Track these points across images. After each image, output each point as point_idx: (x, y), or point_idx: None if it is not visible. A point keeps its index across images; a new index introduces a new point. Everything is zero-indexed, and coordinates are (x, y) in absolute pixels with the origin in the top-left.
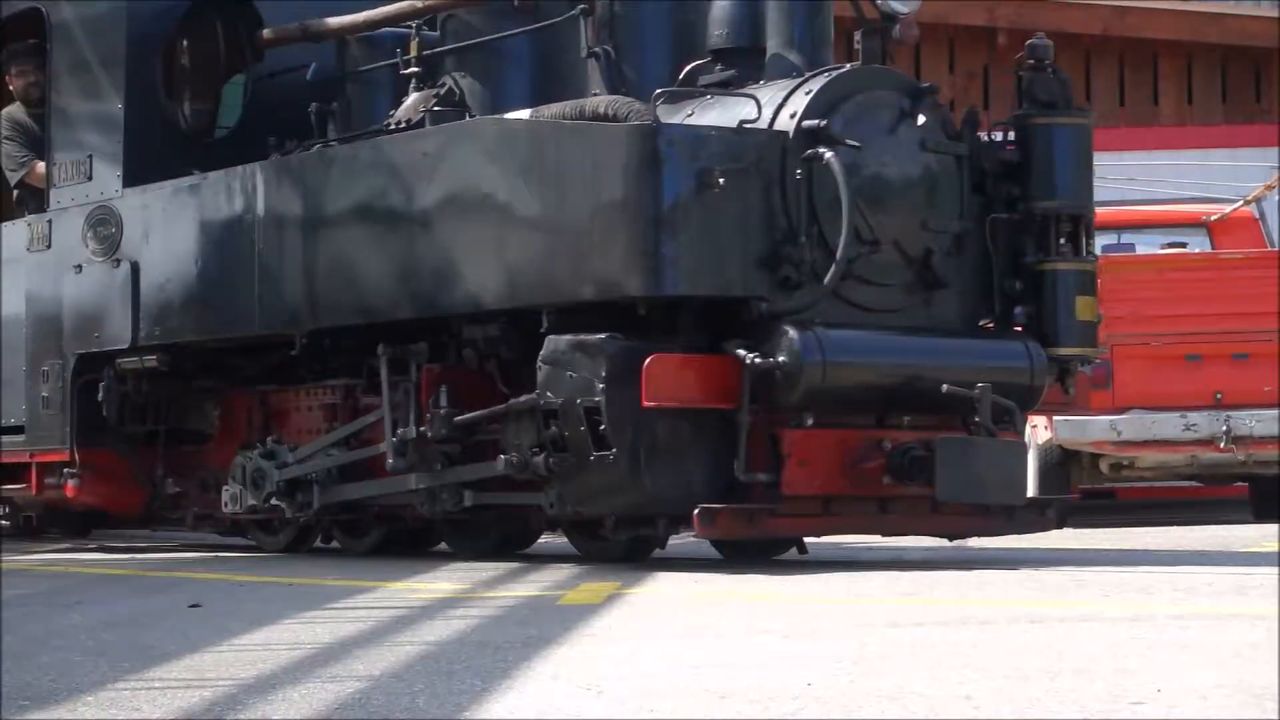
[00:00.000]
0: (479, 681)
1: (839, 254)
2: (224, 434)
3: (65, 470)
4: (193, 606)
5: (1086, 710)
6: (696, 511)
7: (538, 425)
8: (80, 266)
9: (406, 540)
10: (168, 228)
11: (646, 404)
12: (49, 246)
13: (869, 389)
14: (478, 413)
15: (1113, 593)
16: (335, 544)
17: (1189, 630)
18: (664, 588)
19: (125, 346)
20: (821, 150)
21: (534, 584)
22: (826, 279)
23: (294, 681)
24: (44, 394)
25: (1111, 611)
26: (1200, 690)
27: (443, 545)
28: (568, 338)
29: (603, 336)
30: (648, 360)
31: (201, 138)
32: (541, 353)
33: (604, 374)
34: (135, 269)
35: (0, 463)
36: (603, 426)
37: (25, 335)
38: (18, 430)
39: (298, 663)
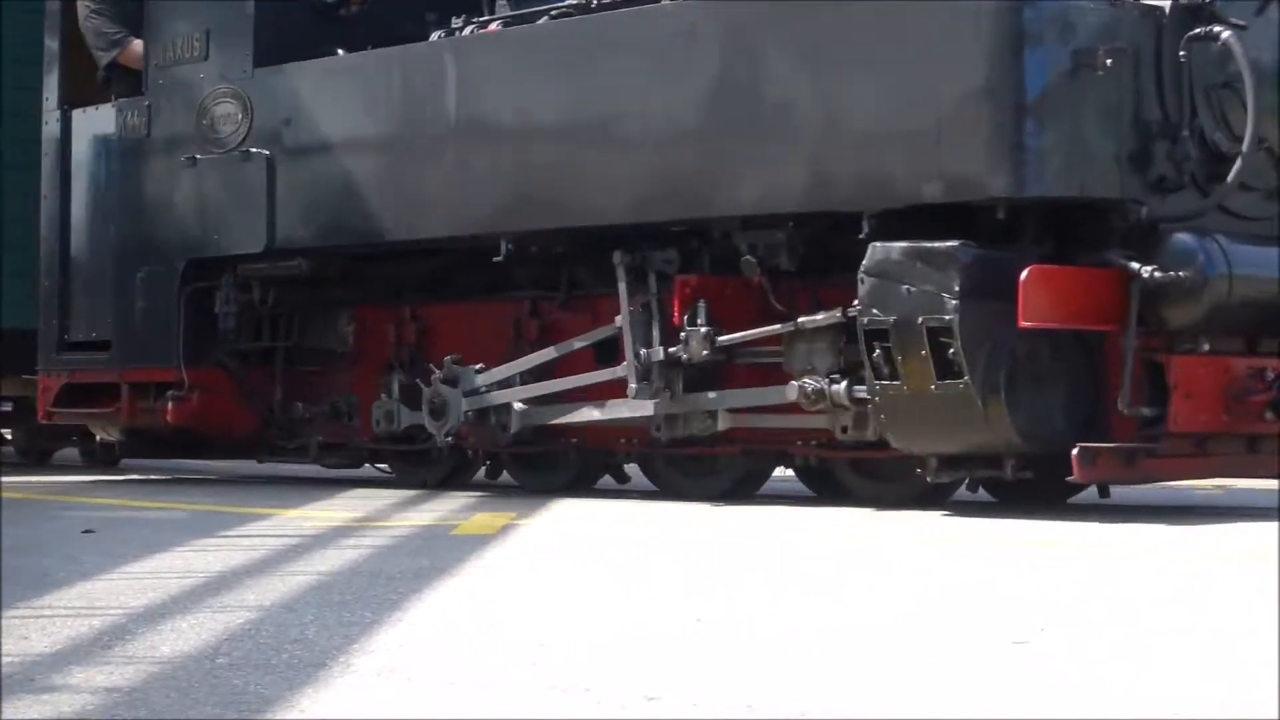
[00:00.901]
0: (369, 613)
1: (1244, 150)
2: (360, 353)
3: (170, 392)
4: (86, 532)
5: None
6: (1077, 451)
7: (836, 347)
8: (194, 159)
9: (607, 476)
10: (316, 114)
11: (1024, 324)
12: (147, 135)
13: (1257, 309)
14: (755, 331)
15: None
16: (504, 480)
17: None
18: (559, 520)
19: (258, 250)
20: (1216, 29)
21: (429, 512)
22: (1230, 177)
23: (184, 611)
24: (140, 304)
25: None
26: None
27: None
28: (902, 245)
29: (954, 243)
30: (1026, 272)
31: (337, 10)
32: (865, 263)
33: (957, 288)
34: (270, 162)
35: (73, 383)
36: (952, 350)
37: (111, 237)
38: (98, 346)
39: (188, 592)
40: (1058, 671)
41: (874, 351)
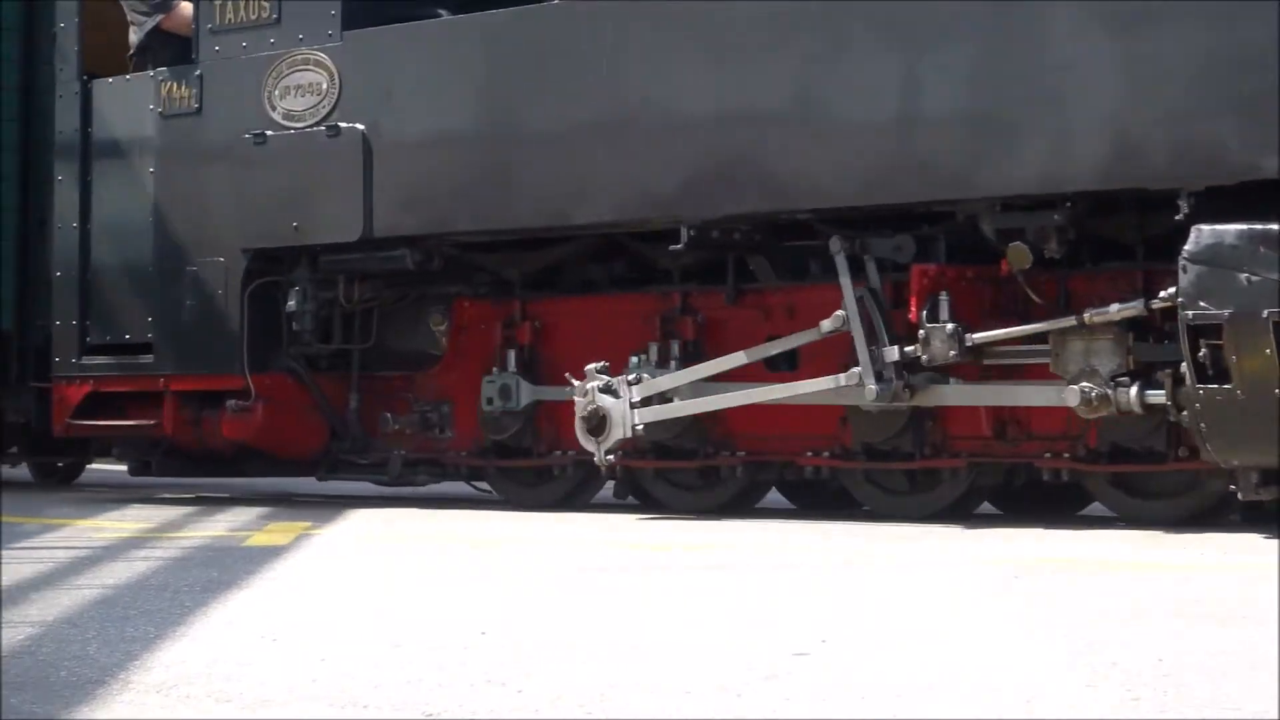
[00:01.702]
0: (153, 628)
1: None
2: (457, 354)
3: (231, 401)
4: None
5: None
6: None
7: (1124, 346)
8: (263, 136)
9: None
10: (426, 84)
11: None
12: (198, 110)
13: None
14: (1022, 327)
15: None
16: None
17: None
18: (353, 528)
19: (353, 239)
20: None
21: (222, 523)
22: None
23: None
24: (189, 302)
25: None
26: None
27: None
28: (1238, 227)
29: None
30: None
31: None
32: (1189, 248)
33: None
34: (366, 140)
35: (101, 391)
36: None
37: (151, 226)
38: (133, 349)
39: None
40: (833, 683)
41: (1199, 350)
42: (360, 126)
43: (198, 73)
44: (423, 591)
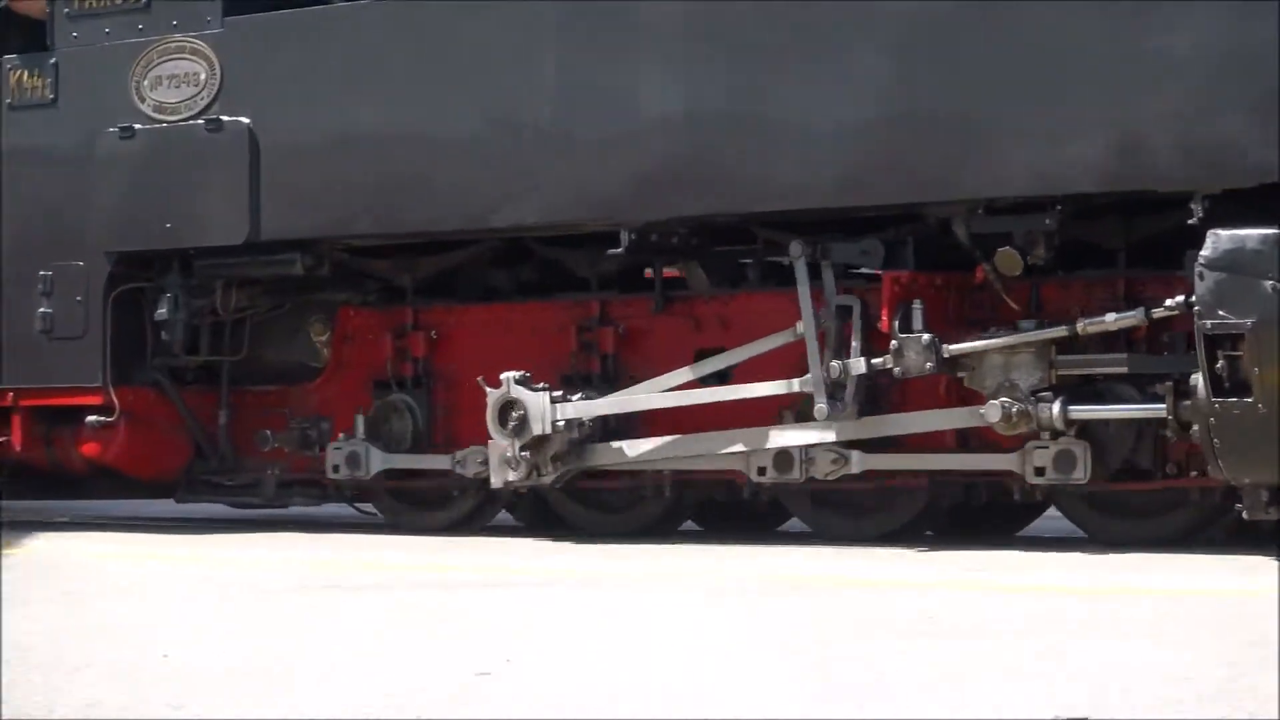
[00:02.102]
0: None
1: None
2: (339, 367)
3: (91, 418)
4: None
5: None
6: None
7: (1046, 359)
8: (130, 129)
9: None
10: (323, 75)
11: None
12: (54, 100)
13: None
14: (1013, 337)
15: None
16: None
17: None
18: (53, 547)
19: (238, 242)
20: None
21: None
22: None
23: None
24: (43, 309)
25: None
26: None
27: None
28: (1261, 233)
29: None
30: None
31: None
32: (1206, 253)
33: None
34: (254, 135)
35: None
36: None
37: None
38: None
39: None
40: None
41: (1216, 361)
42: (246, 121)
43: (53, 60)
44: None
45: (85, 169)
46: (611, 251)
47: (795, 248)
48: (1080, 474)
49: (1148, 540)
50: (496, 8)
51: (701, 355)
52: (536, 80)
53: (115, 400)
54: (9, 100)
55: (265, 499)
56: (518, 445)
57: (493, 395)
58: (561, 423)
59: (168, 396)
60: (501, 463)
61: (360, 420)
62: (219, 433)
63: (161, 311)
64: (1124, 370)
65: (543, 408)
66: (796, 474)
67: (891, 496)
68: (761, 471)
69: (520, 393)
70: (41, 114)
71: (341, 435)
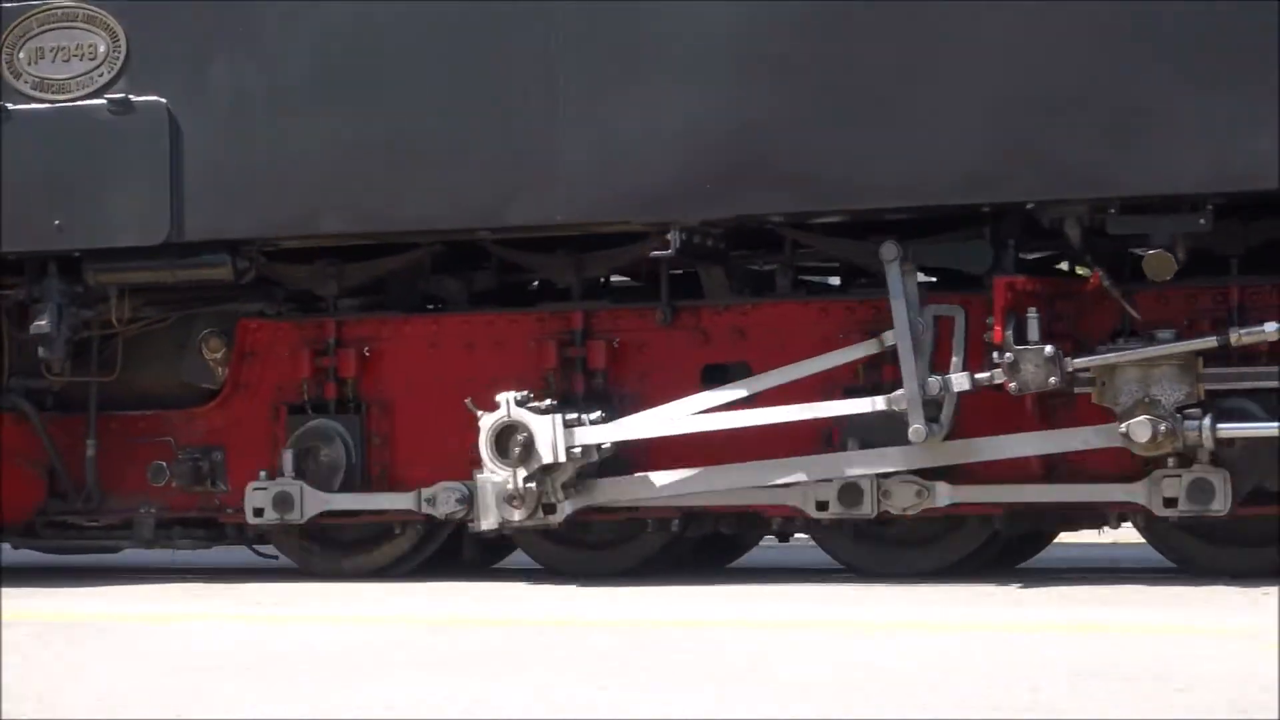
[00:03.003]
0: None
1: None
2: (236, 388)
3: None
4: None
5: None
6: None
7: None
8: (5, 108)
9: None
10: (271, 43)
11: None
12: None
13: None
14: (1151, 349)
15: None
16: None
17: None
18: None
19: (155, 242)
20: None
21: None
22: None
23: None
24: None
25: None
26: None
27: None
28: None
29: None
30: None
31: None
32: None
33: None
34: (171, 117)
35: None
36: None
37: None
38: None
39: None
40: None
41: None
42: (163, 101)
43: None
44: None
45: None
46: (657, 254)
47: (889, 249)
48: (1220, 505)
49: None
50: None
51: (711, 372)
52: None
53: None
54: None
55: (141, 541)
56: (520, 477)
57: (487, 419)
58: (578, 449)
59: (26, 424)
60: (497, 501)
61: (289, 455)
62: (86, 466)
63: (41, 324)
64: (1275, 385)
65: (552, 432)
66: (868, 509)
67: (956, 525)
68: (822, 506)
69: (522, 415)
70: None
71: (262, 473)
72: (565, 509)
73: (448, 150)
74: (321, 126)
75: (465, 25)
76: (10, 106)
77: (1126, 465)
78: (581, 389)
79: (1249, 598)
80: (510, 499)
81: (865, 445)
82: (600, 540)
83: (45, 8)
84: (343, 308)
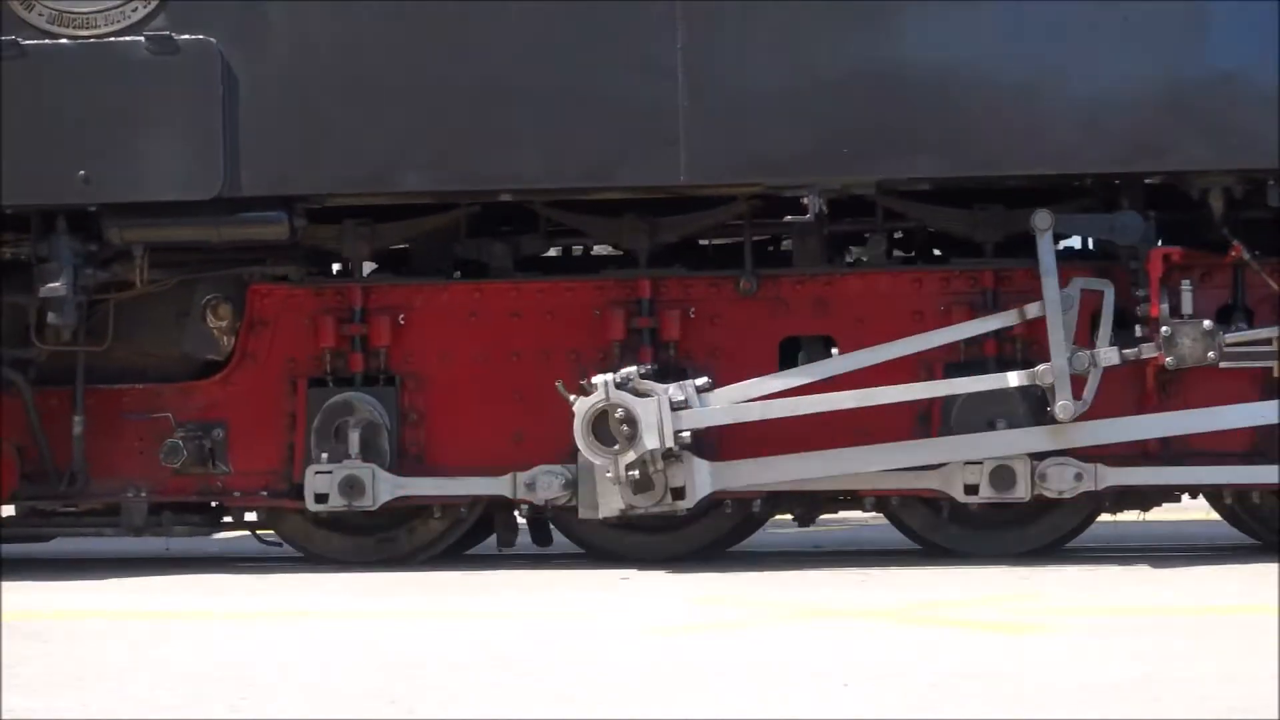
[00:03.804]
0: None
1: None
2: (245, 360)
3: None
4: None
5: None
6: None
7: None
8: (15, 45)
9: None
10: None
11: None
12: None
13: None
14: None
15: None
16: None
17: None
18: None
19: (205, 197)
20: None
21: None
22: None
23: None
24: None
25: None
26: None
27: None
28: None
29: None
30: None
31: None
32: None
33: None
34: (224, 59)
35: None
36: None
37: None
38: None
39: None
40: None
41: None
42: (212, 40)
43: None
44: None
45: None
46: (791, 219)
47: (1043, 217)
48: None
49: None
50: None
51: (790, 344)
52: None
53: None
54: None
55: (132, 528)
56: (623, 463)
57: (583, 403)
58: (686, 434)
59: (13, 399)
60: (617, 484)
61: (355, 435)
62: (73, 445)
63: (55, 285)
64: None
65: (659, 415)
66: (1021, 492)
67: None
68: (971, 490)
69: (623, 398)
70: None
71: (324, 455)
72: (697, 493)
73: (549, 101)
74: (402, 71)
75: None
76: (22, 42)
77: (1230, 444)
78: (650, 362)
79: None
80: (628, 484)
81: (966, 427)
82: (654, 523)
83: None
84: (364, 274)
